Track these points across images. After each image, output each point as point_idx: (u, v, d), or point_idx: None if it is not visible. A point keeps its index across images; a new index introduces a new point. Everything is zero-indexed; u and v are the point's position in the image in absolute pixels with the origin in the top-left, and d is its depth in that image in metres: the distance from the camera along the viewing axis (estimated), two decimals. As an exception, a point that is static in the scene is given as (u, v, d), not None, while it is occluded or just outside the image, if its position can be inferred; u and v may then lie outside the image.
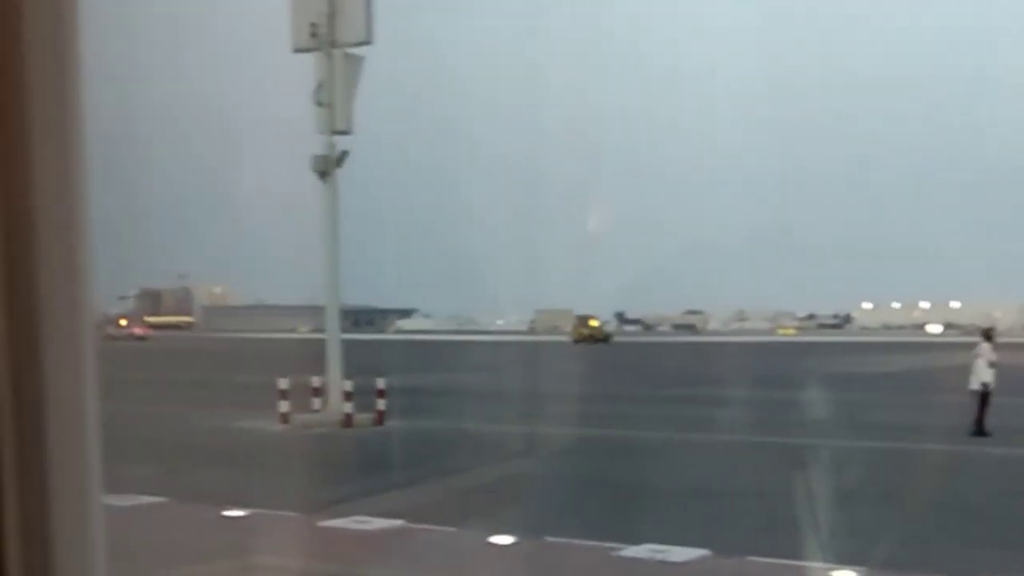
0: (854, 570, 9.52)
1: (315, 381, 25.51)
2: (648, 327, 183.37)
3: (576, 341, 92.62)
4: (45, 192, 1.19)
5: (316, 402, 25.30)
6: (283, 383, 24.04)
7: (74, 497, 1.21)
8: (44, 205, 1.19)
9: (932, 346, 63.35)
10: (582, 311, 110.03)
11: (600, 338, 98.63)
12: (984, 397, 21.19)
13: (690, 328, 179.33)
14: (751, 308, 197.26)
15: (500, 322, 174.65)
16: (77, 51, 1.23)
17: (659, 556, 10.36)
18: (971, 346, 22.59)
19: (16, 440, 1.18)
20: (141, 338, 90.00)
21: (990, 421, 20.92)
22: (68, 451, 1.21)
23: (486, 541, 10.80)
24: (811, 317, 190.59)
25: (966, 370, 21.95)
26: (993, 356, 21.70)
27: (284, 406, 23.88)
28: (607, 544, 10.88)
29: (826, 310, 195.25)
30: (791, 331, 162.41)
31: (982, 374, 21.41)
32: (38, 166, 1.18)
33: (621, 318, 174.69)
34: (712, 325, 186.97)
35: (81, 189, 1.23)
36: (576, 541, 11.13)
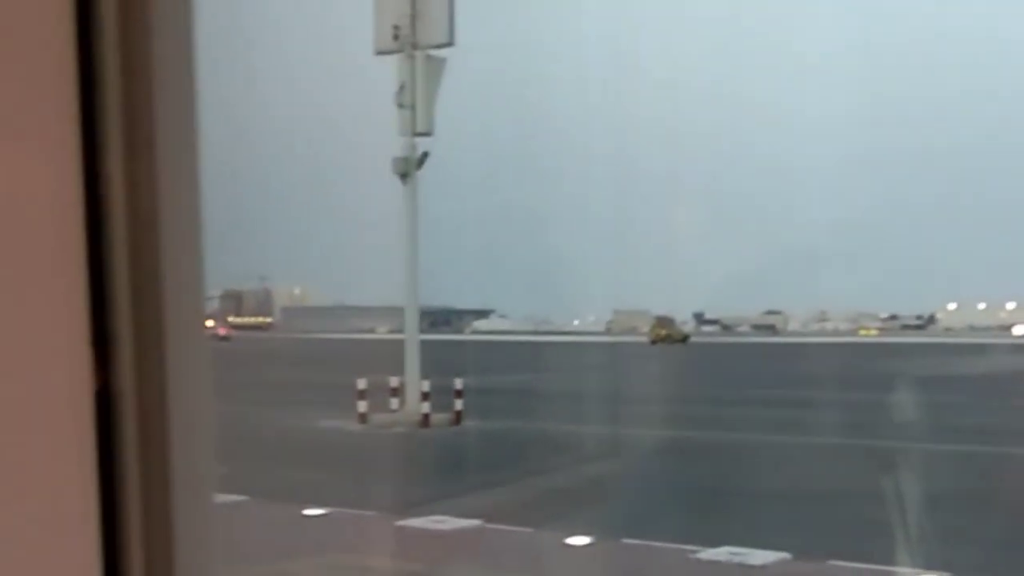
0: (938, 575, 9.30)
1: (393, 381, 25.67)
2: (726, 328, 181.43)
3: (653, 342, 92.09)
4: (169, 197, 1.21)
5: (394, 402, 25.45)
6: (361, 383, 24.22)
7: (192, 495, 1.23)
8: (168, 210, 1.21)
9: (1020, 348, 61.70)
10: (660, 312, 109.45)
11: (678, 339, 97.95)
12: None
13: (769, 329, 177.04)
14: (832, 309, 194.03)
15: (576, 323, 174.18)
16: (194, 56, 1.25)
17: (737, 559, 10.23)
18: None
19: (139, 430, 1.20)
20: (225, 338, 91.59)
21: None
22: (187, 451, 1.23)
23: (563, 542, 10.76)
24: (894, 318, 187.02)
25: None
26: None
27: (362, 406, 24.07)
28: (685, 546, 10.77)
29: (909, 311, 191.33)
30: (873, 332, 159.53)
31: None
32: (162, 171, 1.21)
33: (699, 318, 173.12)
34: (792, 326, 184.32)
35: (198, 193, 1.26)
36: (654, 543, 11.04)
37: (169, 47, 1.21)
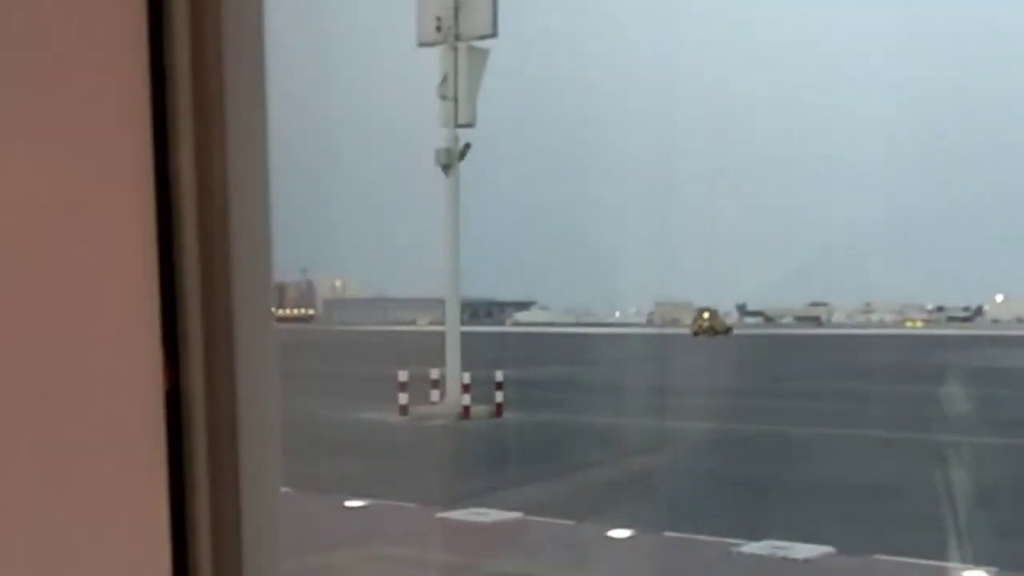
0: (986, 570, 9.14)
1: (434, 373, 25.70)
2: (770, 319, 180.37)
3: (695, 334, 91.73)
4: (239, 196, 1.22)
5: (434, 394, 25.48)
6: (402, 375, 24.28)
7: (259, 491, 1.26)
8: (237, 209, 1.22)
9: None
10: (702, 303, 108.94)
11: (720, 331, 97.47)
12: None
13: (814, 320, 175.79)
14: (878, 300, 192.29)
15: (618, 314, 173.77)
16: (263, 53, 1.26)
17: (780, 552, 10.12)
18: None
19: (208, 430, 1.22)
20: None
21: None
22: (255, 448, 1.25)
23: (604, 535, 10.70)
24: (940, 309, 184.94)
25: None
26: None
27: (403, 398, 24.12)
28: (728, 540, 10.67)
29: (956, 302, 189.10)
30: (919, 324, 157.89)
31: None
32: (232, 171, 1.21)
33: (742, 310, 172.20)
34: (836, 317, 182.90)
35: (267, 192, 1.27)
36: (696, 536, 10.95)
37: (240, 44, 1.22)
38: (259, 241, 1.25)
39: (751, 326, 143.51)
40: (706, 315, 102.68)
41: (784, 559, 9.94)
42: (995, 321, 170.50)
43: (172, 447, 1.18)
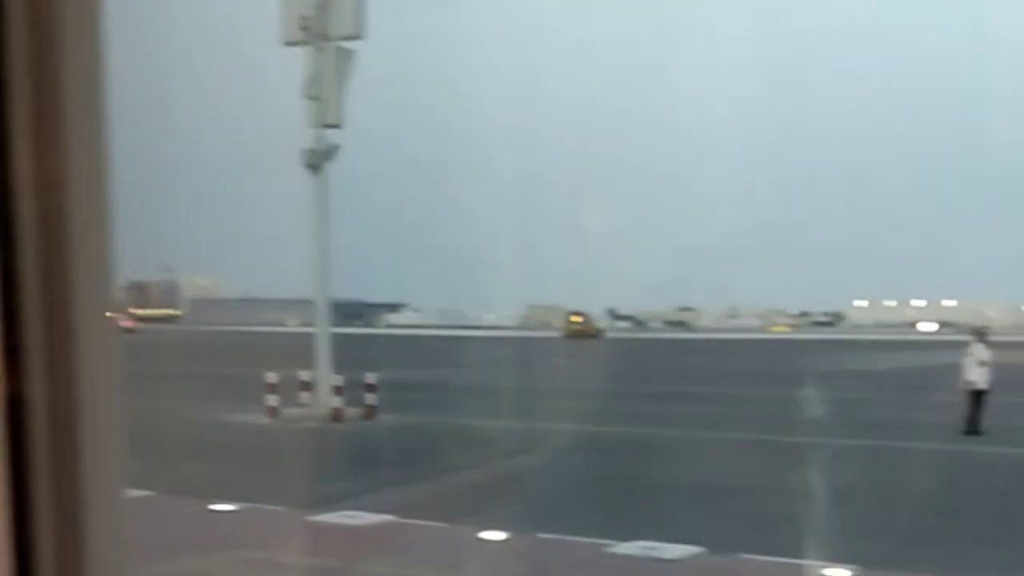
0: (848, 568, 9.39)
1: (304, 375, 25.33)
2: (640, 323, 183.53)
3: (567, 337, 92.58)
4: (77, 199, 1.20)
5: (305, 396, 25.10)
6: (271, 377, 23.87)
7: (102, 494, 1.25)
8: (76, 213, 1.20)
9: (926, 344, 63.25)
10: (574, 307, 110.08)
11: (591, 334, 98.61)
12: (977, 396, 21.08)
13: (682, 325, 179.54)
14: (744, 305, 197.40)
15: (490, 317, 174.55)
16: (103, 52, 1.23)
17: (652, 553, 10.23)
18: (965, 345, 22.48)
19: (50, 433, 1.20)
20: (129, 331, 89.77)
21: (984, 420, 20.81)
22: (98, 451, 1.24)
23: (477, 537, 10.66)
24: (804, 315, 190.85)
25: (960, 369, 21.87)
26: (986, 355, 21.59)
27: (272, 400, 23.72)
28: (600, 540, 10.74)
29: (819, 307, 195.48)
30: (784, 328, 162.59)
31: (973, 373, 21.32)
32: (71, 174, 1.19)
33: (613, 314, 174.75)
34: (704, 322, 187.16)
35: (108, 193, 1.24)
36: (569, 537, 11.00)
37: (78, 43, 1.19)
38: (100, 243, 1.23)
39: (622, 330, 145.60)
40: (577, 318, 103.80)
41: (655, 559, 10.05)
42: (857, 326, 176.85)
43: (14, 452, 1.17)
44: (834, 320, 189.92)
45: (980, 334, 22.51)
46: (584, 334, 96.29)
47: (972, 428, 20.63)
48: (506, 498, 13.82)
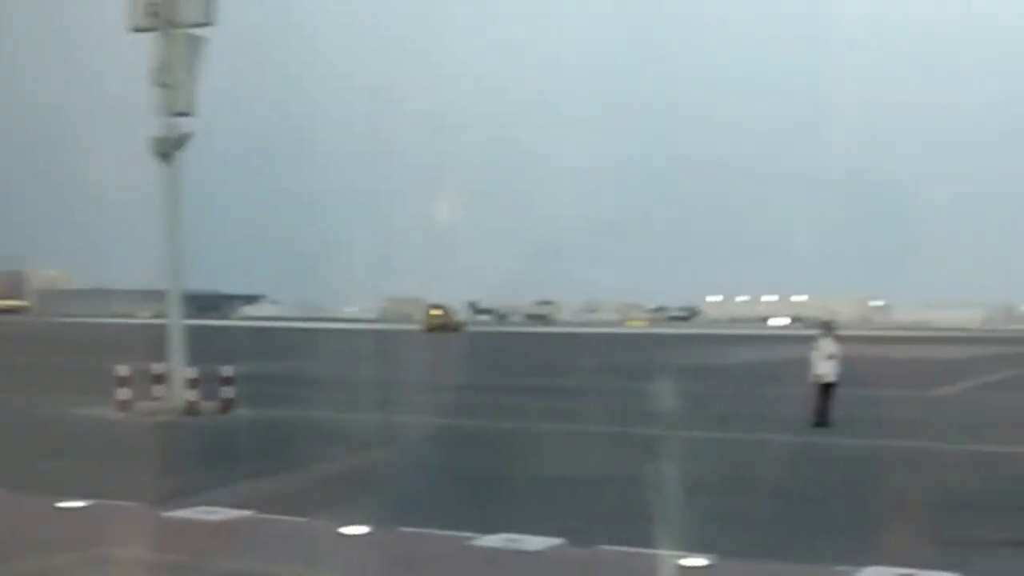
0: (705, 557, 9.58)
1: (156, 368, 24.65)
2: (501, 317, 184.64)
3: (427, 330, 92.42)
4: None
5: (158, 390, 24.43)
6: (122, 370, 23.16)
7: None
8: None
9: (777, 339, 65.35)
10: (434, 300, 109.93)
11: (452, 327, 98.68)
12: (826, 389, 21.82)
13: (542, 318, 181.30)
14: (601, 299, 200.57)
15: (349, 310, 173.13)
16: None
17: (514, 545, 10.25)
18: (814, 339, 23.24)
19: None
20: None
21: (833, 412, 21.54)
22: None
23: (336, 531, 10.51)
24: (660, 309, 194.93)
25: (808, 363, 22.61)
26: (834, 349, 22.37)
27: (123, 393, 23.01)
28: (462, 533, 10.72)
29: (675, 303, 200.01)
30: (641, 323, 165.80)
31: (821, 366, 22.06)
32: None
33: (474, 308, 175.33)
34: (564, 316, 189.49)
35: None
36: (430, 531, 10.94)
37: None
38: None
39: (483, 323, 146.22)
40: (437, 312, 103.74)
41: (517, 551, 10.07)
42: (712, 320, 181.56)
43: None
44: (689, 315, 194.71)
45: (828, 328, 23.30)
46: (445, 327, 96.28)
47: (821, 420, 21.35)
48: (366, 492, 13.70)
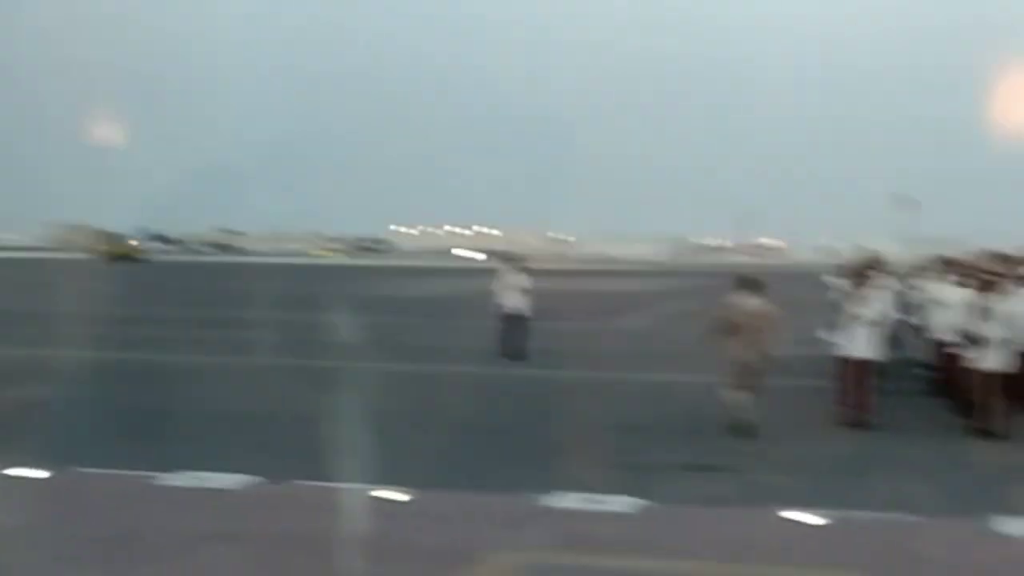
0: (400, 490, 9.61)
1: None
2: (181, 245, 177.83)
3: (106, 259, 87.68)
4: None
5: None
6: None
7: None
8: None
9: (471, 272, 66.33)
10: (103, 227, 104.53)
11: (129, 256, 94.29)
12: (519, 321, 22.33)
13: (227, 248, 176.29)
14: (287, 229, 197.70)
15: (7, 236, 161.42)
16: None
17: (203, 483, 9.89)
18: (500, 272, 23.71)
19: None
20: None
21: (526, 345, 22.03)
22: None
23: (3, 474, 9.76)
24: (352, 241, 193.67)
25: (494, 295, 23.11)
26: (526, 282, 22.93)
27: None
28: (144, 473, 10.21)
29: (367, 233, 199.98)
30: (330, 253, 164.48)
31: (511, 299, 22.61)
32: None
33: (157, 237, 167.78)
34: (251, 245, 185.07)
35: None
36: (109, 471, 10.36)
37: None
38: None
39: (163, 252, 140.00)
40: (110, 239, 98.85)
41: (207, 489, 9.72)
42: (404, 252, 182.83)
43: None
44: (381, 246, 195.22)
45: (513, 260, 23.84)
46: (121, 256, 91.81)
47: (515, 353, 21.80)
48: (34, 432, 12.74)
